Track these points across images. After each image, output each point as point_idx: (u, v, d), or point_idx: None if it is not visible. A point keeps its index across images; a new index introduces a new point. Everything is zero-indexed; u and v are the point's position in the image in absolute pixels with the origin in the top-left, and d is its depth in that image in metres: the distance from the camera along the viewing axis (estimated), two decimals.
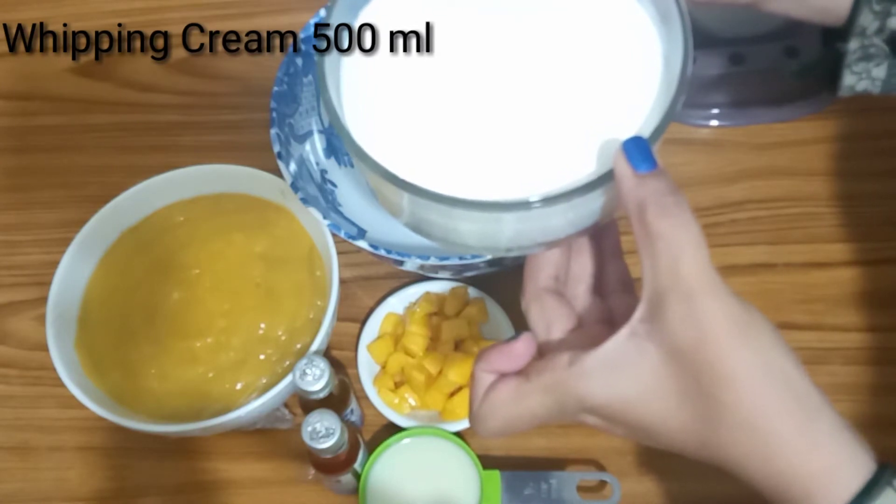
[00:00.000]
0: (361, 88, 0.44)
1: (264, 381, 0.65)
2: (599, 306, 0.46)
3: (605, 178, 0.39)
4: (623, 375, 0.40)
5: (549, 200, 0.39)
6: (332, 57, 0.43)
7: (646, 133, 0.40)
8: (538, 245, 0.44)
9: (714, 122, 0.77)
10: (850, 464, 0.39)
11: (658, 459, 0.65)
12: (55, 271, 0.67)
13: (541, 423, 0.43)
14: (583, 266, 0.47)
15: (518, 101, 0.43)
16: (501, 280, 0.70)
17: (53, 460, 0.69)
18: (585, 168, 0.41)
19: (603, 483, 0.65)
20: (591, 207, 0.41)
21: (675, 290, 0.38)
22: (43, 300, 0.66)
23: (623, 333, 0.40)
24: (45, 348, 0.64)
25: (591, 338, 0.41)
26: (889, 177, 0.74)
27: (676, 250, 0.38)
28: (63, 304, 0.67)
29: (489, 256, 0.61)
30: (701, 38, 0.77)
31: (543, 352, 0.44)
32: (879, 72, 0.56)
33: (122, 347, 0.67)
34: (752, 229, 0.72)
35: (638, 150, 0.39)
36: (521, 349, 0.44)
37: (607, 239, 0.47)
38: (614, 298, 0.46)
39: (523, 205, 0.39)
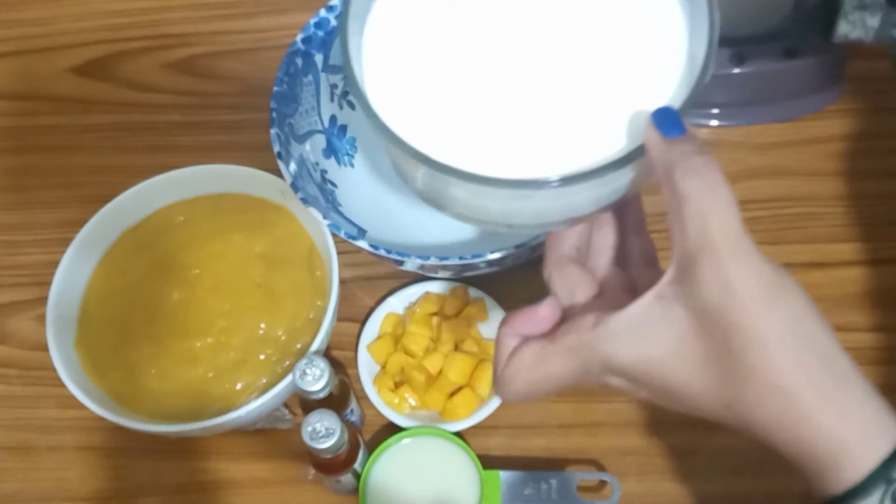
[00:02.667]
0: (384, 61, 0.44)
1: (264, 381, 0.65)
2: (622, 277, 0.46)
3: (635, 154, 0.39)
4: (649, 336, 0.40)
5: (576, 178, 0.39)
6: (354, 27, 0.43)
7: (676, 105, 0.40)
8: (563, 222, 0.44)
9: (714, 122, 0.77)
10: (879, 430, 0.39)
11: (658, 459, 0.65)
12: (55, 271, 0.67)
13: (565, 386, 0.43)
14: (605, 238, 0.47)
15: (546, 78, 0.43)
16: (501, 280, 0.70)
17: (53, 460, 0.69)
18: (611, 146, 0.41)
19: (603, 483, 0.64)
20: (617, 184, 0.41)
21: (703, 252, 0.38)
22: (43, 300, 0.66)
23: (650, 296, 0.40)
24: (45, 348, 0.64)
25: (616, 303, 0.41)
26: (889, 177, 0.74)
27: (705, 212, 0.38)
28: (63, 304, 0.67)
29: (489, 256, 0.61)
30: None
31: (567, 317, 0.44)
32: (874, 21, 0.57)
33: (122, 347, 0.67)
34: (752, 229, 0.71)
35: (667, 117, 0.39)
36: (546, 313, 0.44)
37: (631, 214, 0.47)
38: (637, 270, 0.46)
39: (552, 182, 0.39)
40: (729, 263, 0.38)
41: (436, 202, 0.45)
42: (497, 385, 0.45)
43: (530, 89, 0.43)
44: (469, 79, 0.43)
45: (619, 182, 0.41)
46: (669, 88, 0.42)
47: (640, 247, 0.47)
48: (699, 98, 0.40)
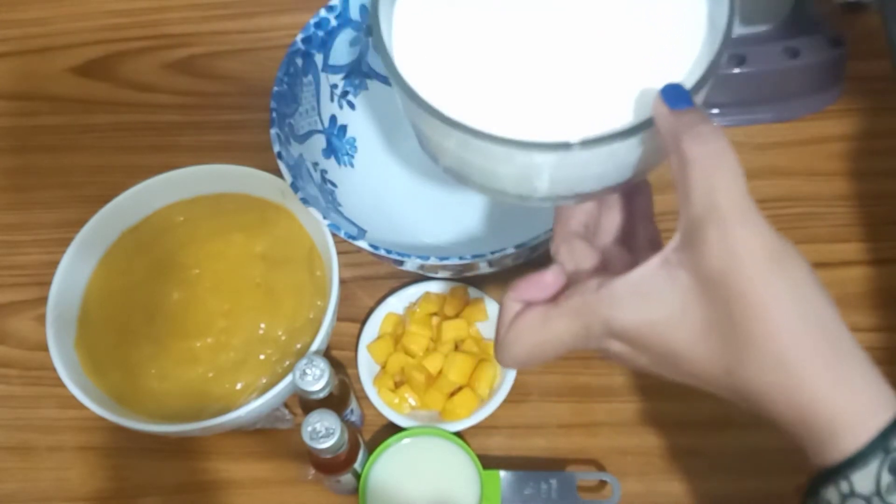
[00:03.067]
0: (413, 31, 0.45)
1: (264, 381, 0.65)
2: (627, 257, 0.47)
3: (644, 125, 0.40)
4: (652, 300, 0.40)
5: (588, 143, 0.39)
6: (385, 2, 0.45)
7: (689, 84, 0.41)
8: (573, 196, 0.44)
9: (714, 122, 0.76)
10: (878, 401, 0.39)
11: (658, 459, 0.65)
12: (55, 271, 0.67)
13: (566, 350, 0.43)
14: (612, 220, 0.48)
15: (566, 48, 0.44)
16: (501, 280, 0.70)
17: (53, 460, 0.69)
18: (626, 118, 0.41)
19: (603, 483, 0.64)
20: (628, 158, 0.42)
21: (709, 218, 0.38)
22: (43, 300, 0.66)
23: (655, 261, 0.40)
24: (45, 348, 0.64)
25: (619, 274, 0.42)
26: (889, 177, 0.74)
27: (711, 177, 0.39)
28: (63, 304, 0.67)
29: (489, 256, 0.61)
30: None
31: (571, 285, 0.44)
32: None
33: (122, 347, 0.67)
34: None
35: (674, 92, 0.40)
36: (551, 279, 0.44)
37: (639, 201, 0.48)
38: (642, 253, 0.46)
39: (563, 146, 0.39)
40: (734, 228, 0.38)
41: (459, 172, 0.46)
42: (498, 350, 0.45)
43: (551, 58, 0.44)
44: (494, 48, 0.44)
45: (630, 156, 0.42)
46: (690, 58, 0.43)
47: (646, 234, 0.47)
48: (720, 66, 0.41)
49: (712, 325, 0.39)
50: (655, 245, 0.47)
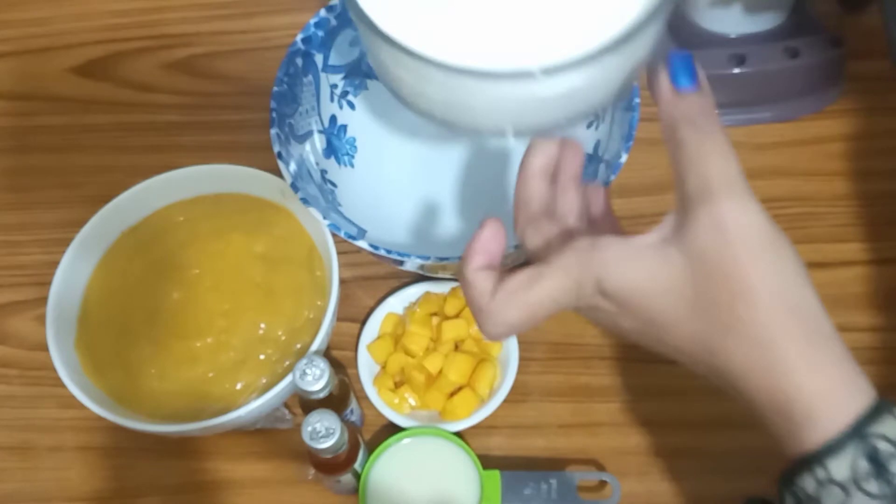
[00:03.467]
0: None
1: (264, 381, 0.65)
2: (591, 233, 0.46)
3: (609, 48, 0.37)
4: (642, 270, 0.41)
5: (549, 70, 0.37)
6: None
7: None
8: (538, 129, 0.44)
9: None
10: (854, 389, 0.39)
11: (658, 459, 0.65)
12: (55, 271, 0.67)
13: (558, 310, 0.43)
14: (570, 202, 0.48)
15: None
16: None
17: (53, 460, 0.69)
18: (590, 40, 0.39)
19: (603, 483, 0.64)
20: (589, 90, 0.40)
21: (700, 198, 0.39)
22: (43, 300, 0.66)
23: (650, 235, 0.41)
24: (45, 348, 0.64)
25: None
26: (889, 177, 0.74)
27: (704, 155, 0.39)
28: (63, 304, 0.67)
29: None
30: (701, 38, 0.78)
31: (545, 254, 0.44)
32: None
33: (122, 347, 0.67)
34: None
35: (683, 65, 0.40)
36: (493, 231, 0.45)
37: (594, 202, 0.48)
38: (606, 232, 0.47)
39: (525, 74, 0.38)
40: (724, 203, 0.39)
41: (415, 102, 0.44)
42: (485, 319, 0.44)
43: None
44: None
45: (591, 89, 0.40)
46: None
47: (608, 226, 0.48)
48: None
49: (699, 306, 0.40)
50: (617, 231, 0.47)
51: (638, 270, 0.41)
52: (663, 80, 0.40)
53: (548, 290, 0.42)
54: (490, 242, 0.45)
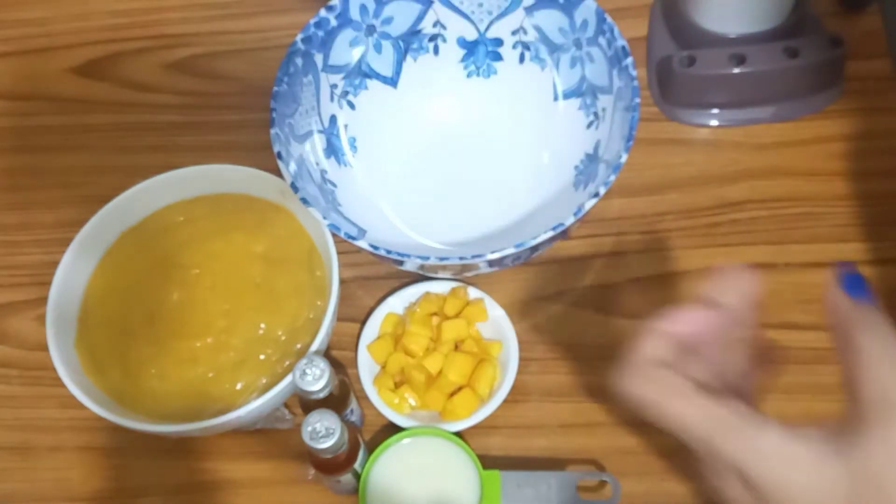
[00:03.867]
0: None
1: (264, 381, 0.65)
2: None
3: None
4: (798, 472, 0.38)
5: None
6: None
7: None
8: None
9: (714, 122, 0.76)
10: None
11: (658, 459, 0.65)
12: (55, 271, 0.67)
13: (669, 430, 0.42)
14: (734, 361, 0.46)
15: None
16: (501, 280, 0.70)
17: (53, 460, 0.69)
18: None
19: (603, 483, 0.64)
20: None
21: (880, 415, 0.36)
22: (43, 300, 0.66)
23: (811, 435, 0.38)
24: (45, 348, 0.64)
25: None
26: (889, 177, 0.74)
27: (883, 368, 0.37)
28: (63, 304, 0.67)
29: (489, 256, 0.61)
30: (701, 38, 0.78)
31: None
32: None
33: (122, 347, 0.67)
34: (752, 229, 0.72)
35: (853, 280, 0.40)
36: (700, 316, 0.44)
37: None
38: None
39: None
40: None
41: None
42: (620, 371, 0.44)
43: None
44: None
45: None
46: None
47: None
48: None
49: None
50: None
51: (792, 473, 0.38)
52: (838, 290, 0.39)
53: (681, 416, 0.41)
54: (691, 321, 0.44)
